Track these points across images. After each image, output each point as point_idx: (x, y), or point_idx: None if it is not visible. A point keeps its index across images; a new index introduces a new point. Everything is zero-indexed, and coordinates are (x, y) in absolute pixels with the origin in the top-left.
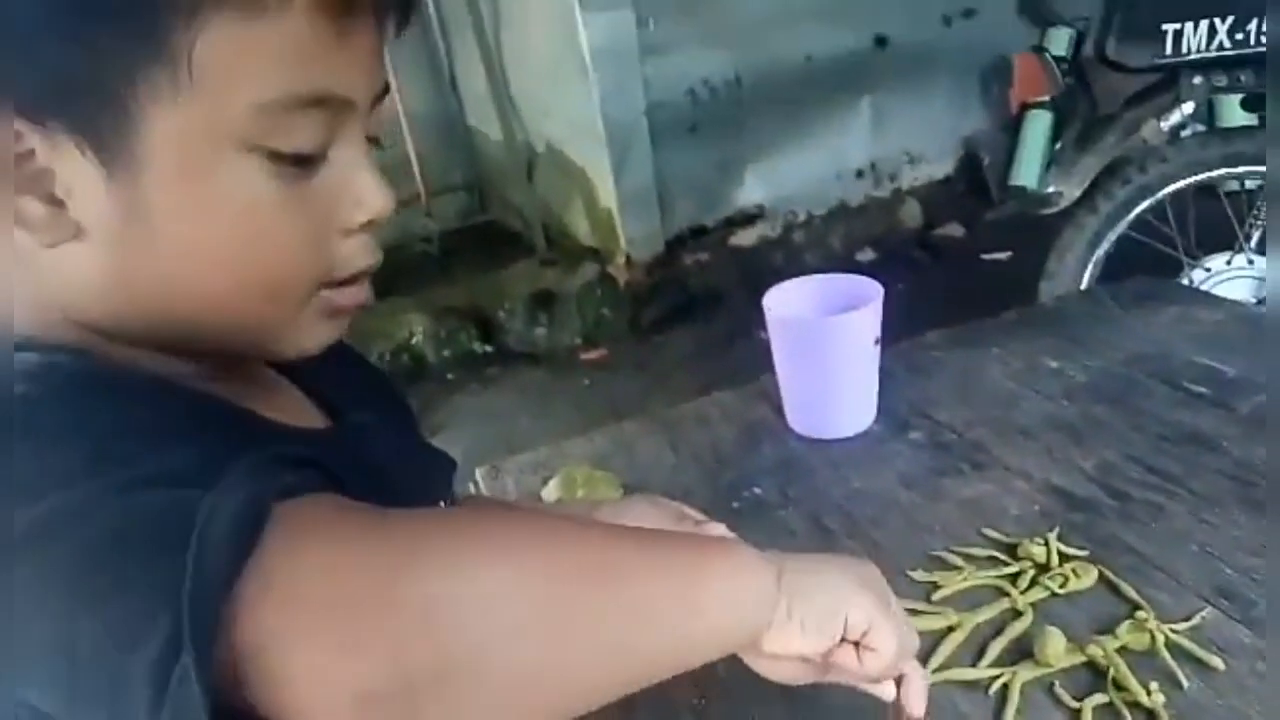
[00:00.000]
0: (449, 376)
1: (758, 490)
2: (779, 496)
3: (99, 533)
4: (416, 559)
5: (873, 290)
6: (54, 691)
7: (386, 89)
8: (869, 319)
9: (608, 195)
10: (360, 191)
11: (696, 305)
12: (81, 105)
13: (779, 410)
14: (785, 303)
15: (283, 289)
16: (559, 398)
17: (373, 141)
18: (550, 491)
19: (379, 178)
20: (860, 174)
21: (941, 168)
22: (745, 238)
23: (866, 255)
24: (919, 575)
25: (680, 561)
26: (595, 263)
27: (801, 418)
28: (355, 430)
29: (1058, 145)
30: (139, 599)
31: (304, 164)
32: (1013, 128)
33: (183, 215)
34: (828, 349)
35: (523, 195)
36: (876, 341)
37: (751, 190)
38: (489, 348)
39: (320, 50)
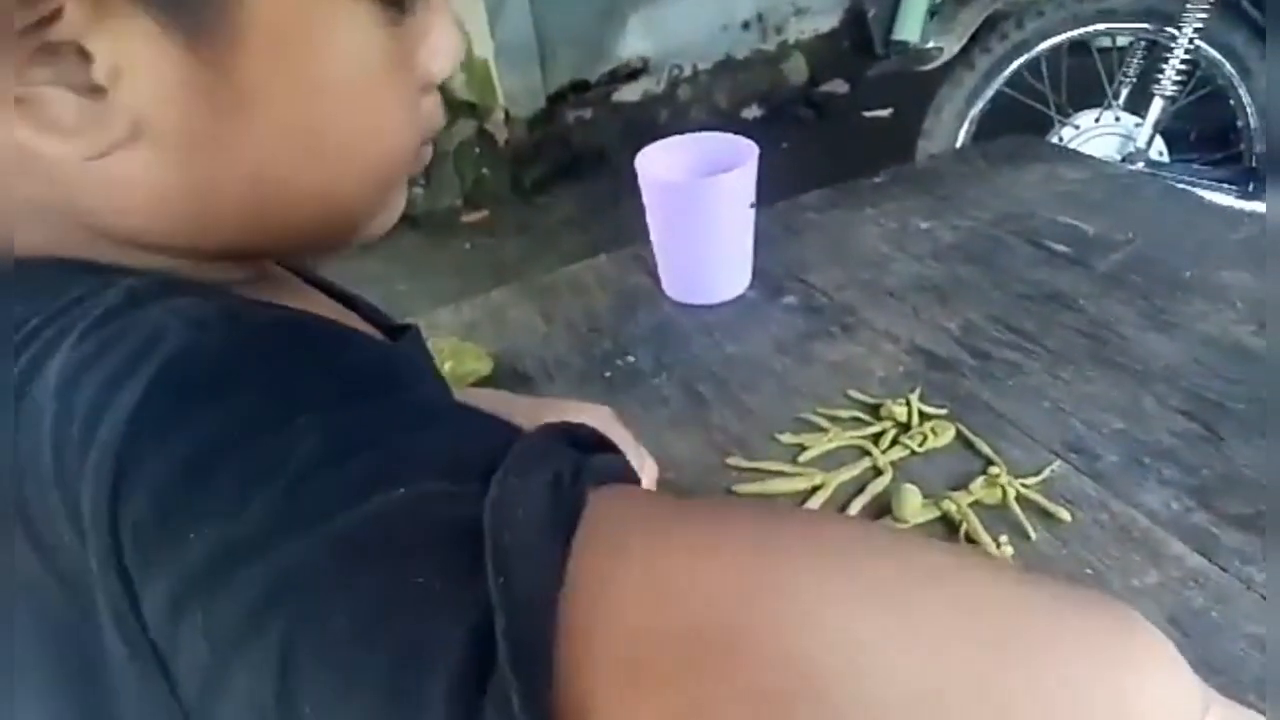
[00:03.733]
0: None
1: (631, 358)
2: (653, 364)
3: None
4: (782, 588)
5: (748, 151)
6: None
7: None
8: (743, 180)
9: (484, 46)
10: (443, 37)
11: (580, 164)
12: None
13: (655, 276)
14: (659, 164)
15: (393, 162)
16: (438, 262)
17: None
18: None
19: (455, 19)
20: (746, 25)
21: (828, 20)
22: (629, 93)
23: (752, 112)
24: (787, 438)
25: (1110, 646)
26: (472, 119)
27: (676, 283)
28: (416, 343)
29: None
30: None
31: (403, 6)
32: None
33: (289, 93)
34: (701, 212)
35: None
36: (752, 205)
37: (635, 42)
38: None
39: None
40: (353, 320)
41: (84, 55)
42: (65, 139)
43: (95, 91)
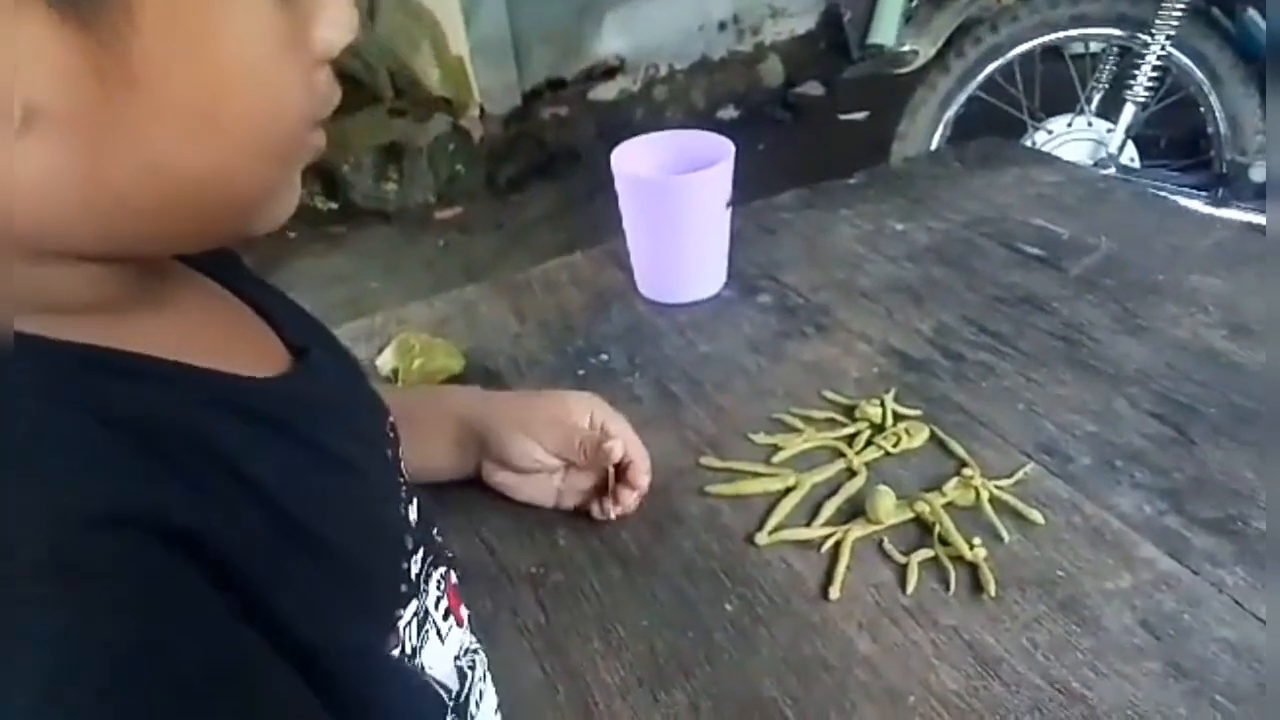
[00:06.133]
0: (290, 235)
1: (605, 357)
2: (626, 363)
3: None
4: None
5: (724, 149)
6: None
7: None
8: (719, 179)
9: (459, 41)
10: (337, 10)
11: (555, 162)
12: None
13: (629, 274)
14: (634, 160)
15: (288, 141)
16: (411, 259)
17: None
18: (385, 360)
19: None
20: (723, 26)
21: (804, 22)
22: (605, 91)
23: (728, 113)
24: (760, 438)
25: None
26: (447, 114)
27: (650, 282)
28: (316, 367)
29: (914, 2)
30: None
31: None
32: None
33: (183, 73)
34: (676, 210)
35: (364, 37)
36: (728, 204)
37: (611, 40)
38: (333, 204)
39: None
40: (254, 336)
41: None
42: None
43: None
